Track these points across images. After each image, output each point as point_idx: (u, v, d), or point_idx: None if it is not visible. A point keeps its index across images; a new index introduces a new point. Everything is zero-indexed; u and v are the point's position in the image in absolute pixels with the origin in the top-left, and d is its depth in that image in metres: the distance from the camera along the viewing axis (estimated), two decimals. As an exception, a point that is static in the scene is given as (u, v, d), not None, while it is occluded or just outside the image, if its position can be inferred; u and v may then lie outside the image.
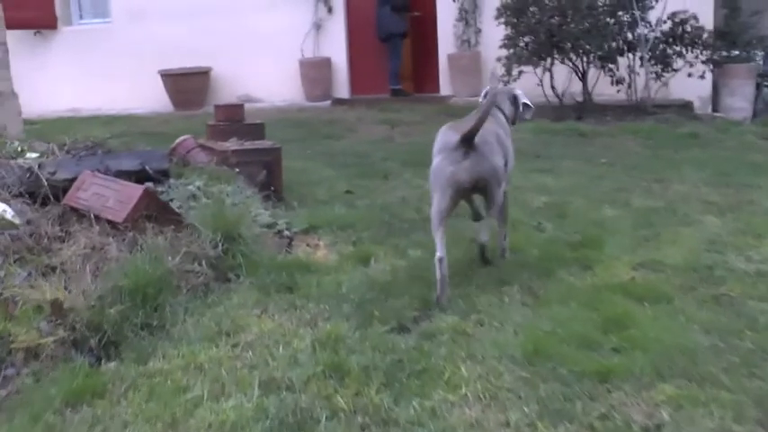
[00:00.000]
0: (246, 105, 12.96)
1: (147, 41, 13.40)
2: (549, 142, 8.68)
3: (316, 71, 13.04)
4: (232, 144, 5.71)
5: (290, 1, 12.98)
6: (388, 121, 10.69)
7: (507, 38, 10.54)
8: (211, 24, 13.14)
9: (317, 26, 13.14)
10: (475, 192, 4.10)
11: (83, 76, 13.71)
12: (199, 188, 5.08)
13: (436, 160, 4.04)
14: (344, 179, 7.08)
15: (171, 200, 4.96)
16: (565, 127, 9.47)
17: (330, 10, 13.12)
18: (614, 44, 10.31)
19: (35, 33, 13.92)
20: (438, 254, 3.82)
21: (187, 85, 13.03)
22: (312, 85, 13.03)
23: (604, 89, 10.76)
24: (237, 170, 5.54)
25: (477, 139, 3.87)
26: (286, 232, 5.01)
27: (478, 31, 12.65)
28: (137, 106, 13.23)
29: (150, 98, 13.23)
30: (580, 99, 10.63)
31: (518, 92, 4.86)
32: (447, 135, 4.07)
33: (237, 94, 13.32)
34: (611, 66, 10.50)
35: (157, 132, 10.66)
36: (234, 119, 5.98)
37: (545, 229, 5.03)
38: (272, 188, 5.72)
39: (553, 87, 10.45)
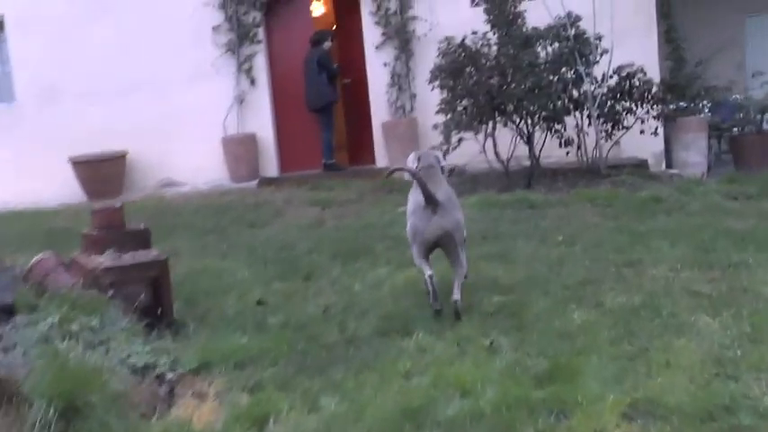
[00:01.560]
0: (167, 190, 12.01)
1: (56, 125, 12.25)
2: (497, 218, 7.69)
3: (240, 149, 11.99)
4: (105, 259, 4.57)
5: (210, 74, 11.98)
6: (319, 201, 9.63)
7: (444, 102, 9.62)
8: (126, 104, 12.08)
9: (240, 100, 12.12)
10: (441, 244, 4.79)
11: (-15, 168, 12.44)
12: (53, 326, 3.92)
13: (410, 220, 4.87)
14: (261, 282, 5.98)
15: (13, 345, 3.80)
16: (513, 198, 8.50)
17: (253, 82, 12.13)
18: (560, 103, 9.46)
19: (-72, 123, 12.65)
20: (427, 272, 4.68)
21: (101, 173, 11.85)
22: (237, 164, 11.96)
23: (552, 151, 9.89)
24: (111, 293, 4.39)
25: (440, 198, 4.70)
26: (168, 375, 3.87)
27: (413, 96, 11.76)
28: (47, 198, 11.96)
29: (62, 188, 11.98)
30: (527, 164, 9.72)
31: (439, 154, 5.64)
32: (415, 195, 4.85)
33: (158, 177, 12.27)
34: (557, 126, 9.64)
35: (63, 229, 9.45)
36: (112, 225, 4.84)
37: (500, 349, 3.94)
38: (160, 311, 4.59)
39: (497, 154, 9.52)
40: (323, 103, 11.84)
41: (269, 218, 8.90)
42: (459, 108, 9.52)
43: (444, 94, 9.60)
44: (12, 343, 3.80)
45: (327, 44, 11.88)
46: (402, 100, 11.79)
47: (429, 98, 10.25)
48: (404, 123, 11.65)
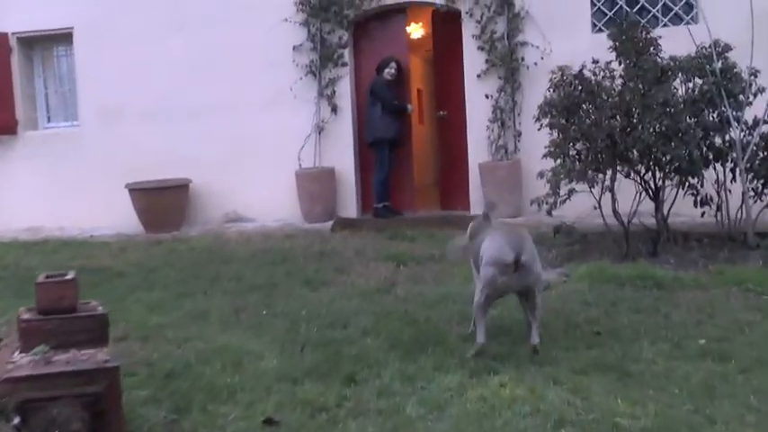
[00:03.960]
0: (231, 226, 10.66)
1: (117, 148, 11.23)
2: (613, 301, 5.90)
3: (316, 185, 10.56)
4: (21, 364, 3.09)
5: (287, 99, 10.66)
6: (395, 255, 8.03)
7: (553, 144, 7.87)
8: (194, 128, 10.96)
9: (319, 129, 10.72)
10: (519, 295, 4.81)
11: (44, 190, 11.50)
12: None
13: (489, 270, 4.61)
14: (287, 379, 4.44)
15: None
16: (634, 272, 6.66)
17: (335, 109, 10.71)
18: (697, 152, 7.57)
19: (-8, 140, 11.78)
20: (479, 340, 4.64)
21: (160, 202, 10.64)
22: (311, 201, 10.52)
23: (682, 208, 8.00)
24: (18, 420, 2.91)
25: (525, 258, 4.56)
26: None
27: (518, 135, 10.11)
28: (103, 226, 10.94)
29: (119, 217, 10.90)
30: (650, 221, 7.87)
31: None
32: (501, 248, 4.61)
33: (224, 211, 10.97)
34: (692, 181, 7.76)
35: (101, 267, 8.22)
36: (57, 306, 3.38)
37: None
38: (101, 446, 3.07)
39: (615, 211, 7.69)
40: (372, 138, 10.42)
41: (330, 275, 7.35)
42: (572, 153, 7.79)
43: (554, 135, 7.87)
44: None
45: (389, 71, 10.40)
46: (504, 139, 10.15)
47: (536, 138, 8.53)
48: (505, 166, 9.99)
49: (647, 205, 7.93)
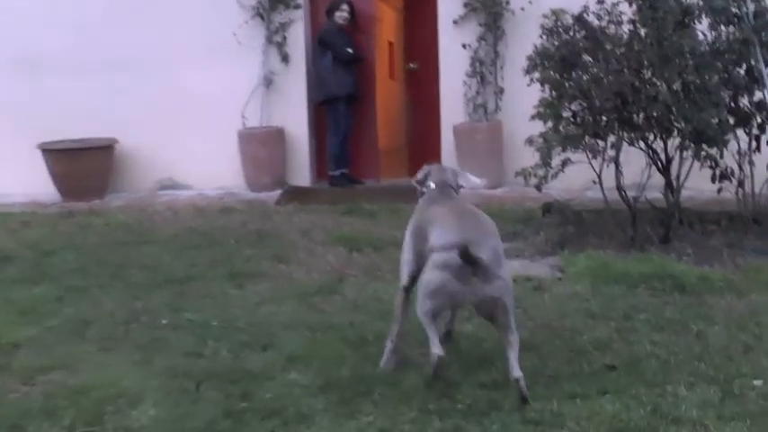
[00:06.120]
0: (163, 194, 9.00)
1: (31, 102, 9.52)
2: (626, 313, 4.49)
3: (262, 147, 9.01)
4: None
5: (230, 47, 9.01)
6: (349, 237, 6.54)
7: (544, 104, 6.38)
8: (121, 81, 9.25)
9: (267, 82, 9.13)
10: (481, 312, 3.51)
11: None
12: None
13: (435, 274, 3.39)
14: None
15: None
16: (646, 266, 5.24)
17: (285, 58, 9.12)
18: (725, 116, 6.11)
19: None
20: (435, 352, 3.34)
21: (79, 166, 9.02)
22: (257, 167, 8.99)
23: (693, 181, 6.56)
24: None
25: (482, 252, 3.32)
26: None
27: (500, 92, 8.61)
28: (16, 192, 9.28)
29: (36, 181, 9.26)
30: (657, 199, 6.45)
31: (458, 170, 4.27)
32: (445, 236, 3.43)
33: (157, 177, 9.41)
34: (710, 151, 6.30)
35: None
36: None
37: None
38: None
39: (620, 188, 6.26)
40: (323, 96, 8.97)
41: (265, 264, 5.85)
42: (567, 114, 6.32)
43: (546, 92, 6.39)
44: None
45: (341, 15, 8.90)
46: (484, 96, 8.69)
47: (522, 97, 7.09)
48: (484, 129, 8.53)
49: (654, 179, 6.50)
